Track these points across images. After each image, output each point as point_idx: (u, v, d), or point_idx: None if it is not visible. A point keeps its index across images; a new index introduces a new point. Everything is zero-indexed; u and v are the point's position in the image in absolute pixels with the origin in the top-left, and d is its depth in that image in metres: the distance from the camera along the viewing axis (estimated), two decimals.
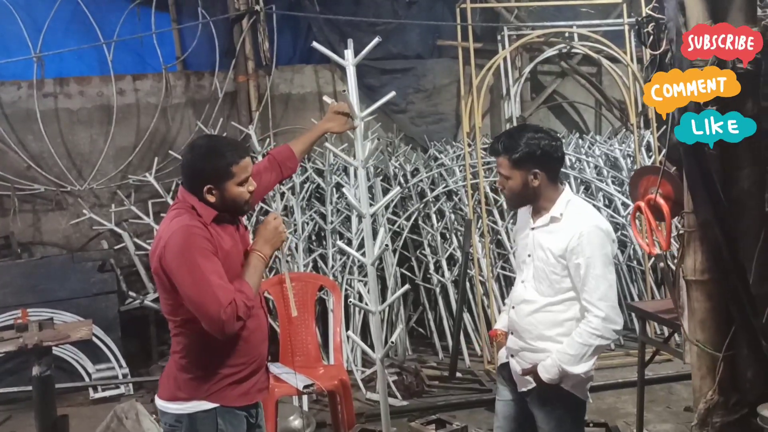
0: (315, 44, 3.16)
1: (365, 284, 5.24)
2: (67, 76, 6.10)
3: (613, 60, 6.55)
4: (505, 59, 6.49)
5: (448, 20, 6.97)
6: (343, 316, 4.46)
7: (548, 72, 7.18)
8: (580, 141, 6.52)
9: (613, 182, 6.07)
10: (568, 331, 2.51)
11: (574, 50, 6.82)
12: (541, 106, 7.10)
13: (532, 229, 2.60)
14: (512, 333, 2.68)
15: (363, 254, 3.02)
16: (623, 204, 5.87)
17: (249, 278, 2.33)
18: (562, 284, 2.51)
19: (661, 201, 3.10)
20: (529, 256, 2.60)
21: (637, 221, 3.79)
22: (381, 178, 5.87)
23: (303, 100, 6.63)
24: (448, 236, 5.77)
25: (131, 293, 5.64)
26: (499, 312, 5.47)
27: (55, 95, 6.04)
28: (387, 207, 5.59)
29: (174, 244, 2.20)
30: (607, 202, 6.02)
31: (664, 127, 5.75)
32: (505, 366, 2.73)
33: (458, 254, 5.62)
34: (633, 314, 5.66)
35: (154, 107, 6.18)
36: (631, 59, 6.40)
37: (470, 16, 5.73)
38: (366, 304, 2.94)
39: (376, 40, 3.00)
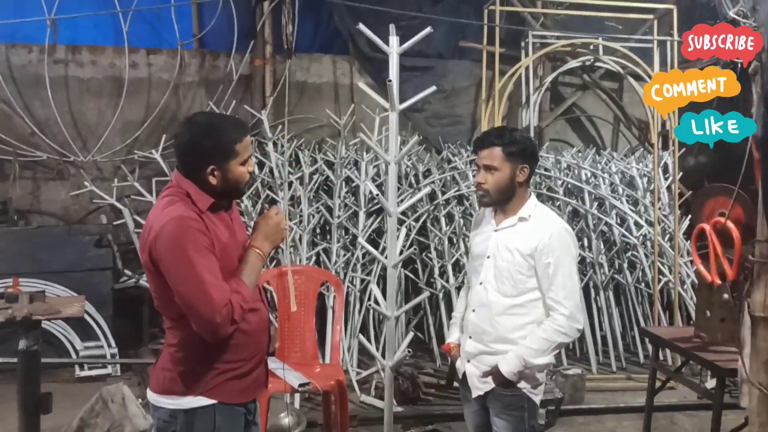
0: (361, 26, 3.01)
1: (377, 284, 5.12)
2: (81, 44, 5.95)
3: (637, 77, 6.44)
4: (526, 67, 6.35)
5: (473, 22, 6.84)
6: (343, 314, 4.32)
7: (569, 84, 7.04)
8: (597, 156, 6.39)
9: (627, 201, 5.94)
10: (529, 334, 2.51)
11: (597, 64, 6.69)
12: (559, 118, 6.96)
13: (495, 230, 2.60)
14: (470, 337, 2.63)
15: (383, 255, 2.87)
16: (636, 224, 5.74)
17: (246, 277, 2.15)
18: (527, 284, 2.51)
19: (731, 225, 2.94)
20: (488, 257, 2.59)
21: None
22: None
23: (318, 90, 6.49)
24: (455, 241, 5.64)
25: (127, 271, 5.50)
26: None
27: (66, 62, 5.89)
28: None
29: (166, 236, 2.02)
30: (619, 220, 5.90)
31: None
32: (464, 374, 2.70)
33: (464, 260, 5.49)
34: (638, 338, 5.55)
35: (166, 83, 6.03)
36: None
37: (498, 18, 5.59)
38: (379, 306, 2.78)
39: (428, 30, 2.88)
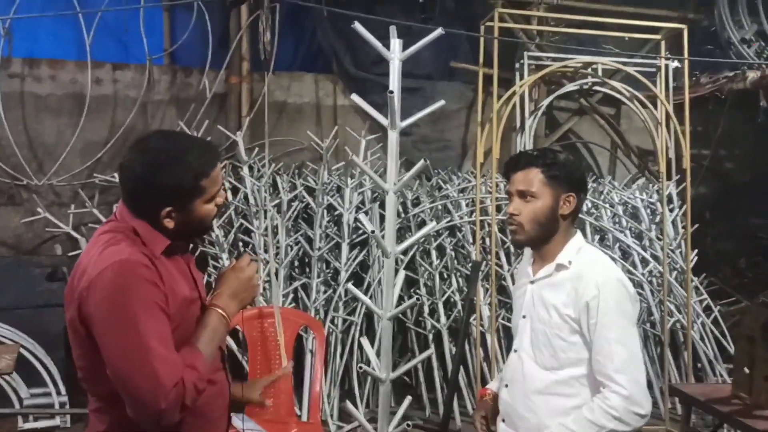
0: (357, 25, 2.55)
1: (361, 324, 4.63)
2: (39, 57, 5.44)
3: (641, 103, 6.08)
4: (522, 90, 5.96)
5: (465, 42, 6.45)
6: (323, 363, 3.81)
7: (564, 108, 6.66)
8: (595, 185, 5.98)
9: (630, 233, 5.52)
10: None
11: (595, 88, 6.32)
12: (555, 144, 6.56)
13: (532, 282, 2.09)
14: (503, 420, 2.10)
15: (368, 294, 2.39)
16: (642, 260, 5.31)
17: (204, 346, 1.67)
18: (569, 353, 1.98)
19: None
20: (524, 317, 2.08)
21: None
22: (378, 203, 5.26)
23: (299, 111, 6.03)
24: (446, 276, 5.16)
25: None
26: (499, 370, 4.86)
27: (23, 77, 5.37)
28: None
29: (103, 286, 1.54)
30: (621, 254, 5.47)
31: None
32: None
33: (456, 297, 5.01)
34: (660, 395, 5.09)
35: (133, 101, 5.53)
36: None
37: (496, 36, 5.19)
38: (372, 367, 2.30)
39: (438, 31, 2.43)
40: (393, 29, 2.47)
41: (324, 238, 5.03)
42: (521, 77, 6.00)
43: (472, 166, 6.27)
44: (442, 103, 2.63)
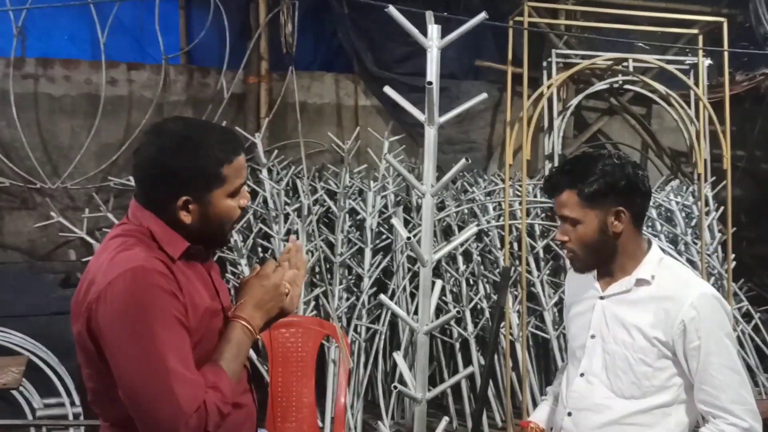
0: (391, 8, 2.34)
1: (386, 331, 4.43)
2: (53, 57, 5.30)
3: (668, 102, 5.85)
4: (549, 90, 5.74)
5: (489, 41, 6.25)
6: (348, 375, 3.62)
7: (593, 108, 6.42)
8: None
9: (665, 237, 5.28)
10: None
11: (626, 86, 6.10)
12: (583, 145, 6.33)
13: (602, 297, 1.85)
14: None
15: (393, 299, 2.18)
16: None
17: (228, 364, 1.48)
18: (654, 380, 1.75)
19: None
20: (593, 337, 1.84)
21: None
22: (402, 207, 5.06)
23: (319, 112, 5.85)
24: (472, 282, 4.95)
25: None
26: (541, 389, 4.64)
27: (36, 77, 5.23)
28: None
29: (116, 299, 1.37)
30: None
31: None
32: None
33: (483, 304, 4.80)
34: None
35: (149, 102, 5.38)
36: (695, 100, 5.69)
37: (526, 32, 4.98)
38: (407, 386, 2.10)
39: (482, 15, 2.24)
40: (430, 14, 2.28)
41: (346, 243, 4.84)
42: (549, 76, 5.79)
43: (498, 169, 6.06)
44: (484, 96, 2.42)
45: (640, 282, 1.80)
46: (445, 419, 2.18)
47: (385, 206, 5.06)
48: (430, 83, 2.09)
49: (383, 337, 4.54)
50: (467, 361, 4.73)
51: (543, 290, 4.83)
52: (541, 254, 4.98)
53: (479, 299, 4.79)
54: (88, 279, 1.46)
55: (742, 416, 1.67)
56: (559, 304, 4.98)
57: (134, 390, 1.36)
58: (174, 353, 1.37)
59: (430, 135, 2.12)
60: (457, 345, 4.74)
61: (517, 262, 4.79)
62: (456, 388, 4.75)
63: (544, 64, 5.84)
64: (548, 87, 4.88)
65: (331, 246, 4.87)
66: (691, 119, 5.48)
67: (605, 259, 1.83)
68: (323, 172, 5.52)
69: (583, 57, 5.84)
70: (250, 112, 5.54)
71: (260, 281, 1.59)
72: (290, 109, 5.71)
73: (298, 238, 4.68)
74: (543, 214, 5.13)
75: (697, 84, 5.34)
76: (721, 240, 5.17)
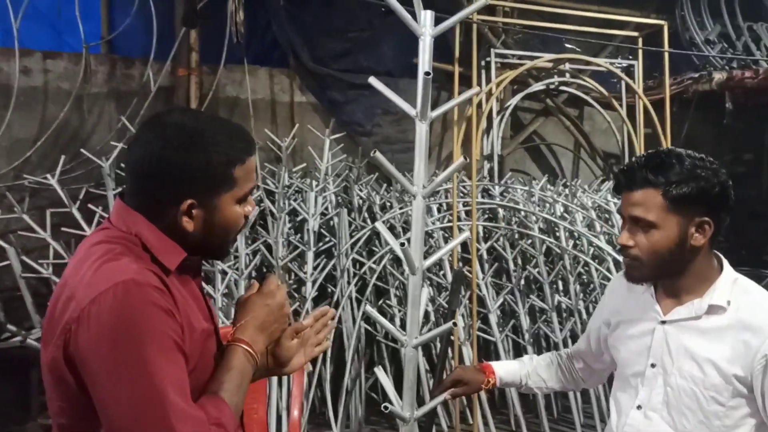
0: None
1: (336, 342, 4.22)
2: None
3: (602, 104, 5.95)
4: (489, 90, 5.69)
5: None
6: (303, 390, 3.41)
7: (528, 109, 6.44)
8: (563, 189, 5.77)
9: (603, 238, 5.32)
10: None
11: (561, 87, 6.14)
12: (518, 147, 6.34)
13: (663, 322, 1.63)
14: None
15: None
16: (615, 262, 5.11)
17: (230, 396, 1.28)
18: (726, 420, 1.55)
19: None
20: (653, 366, 1.64)
21: None
22: (345, 208, 4.87)
23: (253, 108, 5.55)
24: None
25: (10, 326, 4.34)
26: None
27: None
28: (353, 246, 4.59)
29: (103, 319, 1.14)
30: (594, 259, 5.26)
31: None
32: None
33: (429, 307, 4.68)
34: None
35: (67, 94, 4.95)
36: (628, 102, 5.78)
37: (463, 28, 4.90)
38: (392, 403, 1.92)
39: (482, 2, 2.07)
40: (418, 1, 2.10)
41: (286, 246, 4.60)
42: (488, 75, 5.75)
43: (437, 169, 5.97)
44: (476, 89, 2.27)
45: (714, 309, 1.59)
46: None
47: (326, 208, 4.86)
48: (428, 74, 1.92)
49: (331, 343, 4.33)
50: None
51: (488, 292, 4.76)
52: (485, 256, 4.91)
53: (426, 303, 4.66)
54: (64, 295, 1.21)
55: None
56: (504, 306, 4.93)
57: (125, 428, 1.14)
58: (172, 384, 1.15)
59: (422, 131, 1.95)
60: (403, 350, 4.58)
61: (461, 264, 4.70)
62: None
63: (482, 63, 5.79)
64: (497, 85, 4.80)
65: (269, 248, 4.62)
66: (623, 120, 5.56)
67: (671, 275, 1.62)
68: (259, 171, 5.25)
69: (521, 57, 5.84)
70: (180, 106, 5.20)
71: (264, 300, 1.39)
72: (222, 104, 5.42)
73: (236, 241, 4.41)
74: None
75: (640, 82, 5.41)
76: None
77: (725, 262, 1.65)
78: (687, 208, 1.55)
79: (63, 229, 4.35)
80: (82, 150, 4.63)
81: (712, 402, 1.55)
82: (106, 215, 4.36)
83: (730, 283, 1.61)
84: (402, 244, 1.82)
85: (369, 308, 2.07)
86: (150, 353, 1.14)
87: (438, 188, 5.13)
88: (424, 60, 1.99)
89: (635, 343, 1.69)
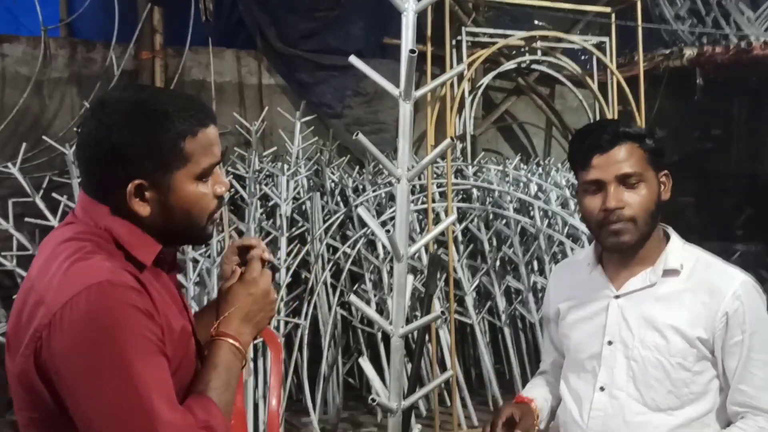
0: None
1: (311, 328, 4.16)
2: None
3: (574, 82, 5.92)
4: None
5: (396, 17, 6.03)
6: (281, 377, 3.34)
7: (500, 88, 6.39)
8: (537, 168, 5.75)
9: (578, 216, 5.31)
10: None
11: (533, 66, 6.11)
12: (491, 126, 6.30)
13: (617, 296, 1.59)
14: None
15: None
16: (591, 240, 5.11)
17: (217, 395, 1.19)
18: (694, 386, 1.52)
19: None
20: (610, 343, 1.59)
21: None
22: (318, 192, 4.79)
23: (220, 91, 5.44)
24: (390, 268, 4.77)
25: None
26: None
27: None
28: (327, 231, 4.52)
29: (78, 324, 1.06)
30: (569, 237, 5.26)
31: None
32: None
33: None
34: None
35: (26, 79, 4.78)
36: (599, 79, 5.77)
37: (433, 7, 4.81)
38: (379, 394, 1.87)
39: None
40: None
41: (258, 232, 4.51)
42: (459, 54, 5.68)
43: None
44: (462, 67, 2.20)
45: (668, 273, 1.56)
46: (418, 427, 1.96)
47: (299, 193, 4.77)
48: (414, 52, 1.84)
49: (305, 331, 4.27)
50: (389, 352, 4.55)
51: (463, 274, 4.73)
52: (460, 237, 4.88)
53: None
54: (31, 299, 1.12)
55: None
56: (480, 287, 4.91)
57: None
58: (156, 389, 1.07)
59: (406, 111, 1.88)
60: (379, 335, 4.56)
61: (436, 247, 4.66)
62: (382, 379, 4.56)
63: (453, 42, 5.71)
64: (470, 65, 4.72)
65: (241, 235, 4.53)
66: (596, 97, 5.54)
67: (648, 237, 1.56)
68: (228, 155, 5.14)
69: (492, 35, 5.78)
70: None
71: (247, 289, 1.30)
72: (188, 88, 5.28)
73: None
74: None
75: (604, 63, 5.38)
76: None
77: (671, 230, 1.65)
78: (656, 160, 1.57)
79: (26, 219, 4.21)
80: (44, 137, 4.47)
81: (679, 368, 1.52)
82: (71, 204, 4.23)
83: (680, 248, 1.60)
84: (388, 231, 1.75)
85: (354, 298, 2.01)
86: (130, 358, 1.06)
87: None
88: (408, 37, 1.91)
89: (588, 325, 1.64)
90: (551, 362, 1.86)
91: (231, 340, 1.25)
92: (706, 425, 1.54)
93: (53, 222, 4.17)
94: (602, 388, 1.59)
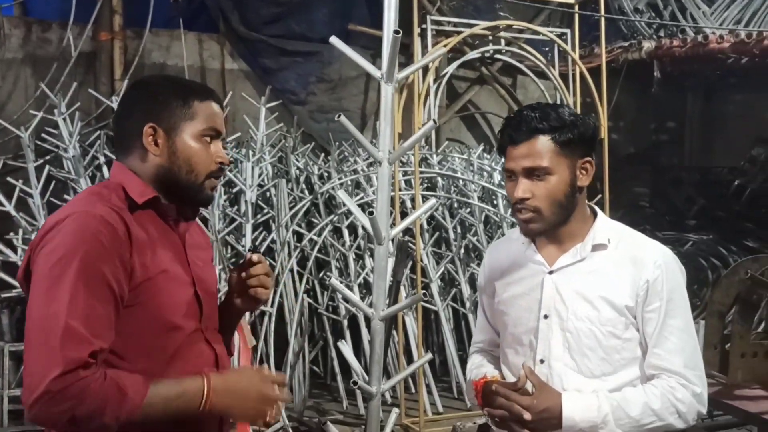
0: None
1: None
2: None
3: (538, 74, 5.98)
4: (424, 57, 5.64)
5: (362, 5, 6.01)
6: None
7: (463, 77, 6.42)
8: (495, 155, 5.80)
9: None
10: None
11: (496, 56, 6.14)
12: (454, 115, 6.33)
13: (551, 272, 1.67)
14: None
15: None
16: None
17: (153, 394, 1.26)
18: (624, 353, 1.62)
19: None
20: (546, 317, 1.66)
21: None
22: (284, 179, 4.73)
23: (181, 75, 5.32)
24: (355, 257, 4.76)
25: None
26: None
27: None
28: (293, 218, 4.48)
29: (54, 241, 1.28)
30: None
31: None
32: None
33: (371, 279, 4.63)
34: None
35: None
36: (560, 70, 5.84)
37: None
38: (359, 377, 1.86)
39: None
40: None
41: (223, 219, 4.45)
42: (423, 43, 5.68)
43: (374, 137, 5.88)
44: (443, 51, 2.18)
45: (596, 247, 1.65)
46: (395, 411, 1.96)
47: (263, 178, 4.71)
48: (398, 32, 1.82)
49: (272, 318, 4.23)
50: (356, 339, 4.55)
51: (429, 262, 4.75)
52: (425, 225, 4.89)
53: (367, 273, 4.61)
54: (46, 221, 1.36)
55: (696, 382, 1.60)
56: (445, 275, 4.94)
57: (26, 339, 1.24)
58: (79, 313, 1.22)
59: (388, 93, 1.85)
60: (345, 322, 4.54)
61: (402, 234, 4.66)
62: (346, 368, 4.56)
63: (418, 31, 5.70)
64: (436, 54, 4.71)
65: (205, 221, 4.45)
66: (557, 88, 5.60)
67: (563, 222, 1.64)
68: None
69: (456, 24, 5.79)
70: (103, 72, 4.93)
71: (260, 377, 1.42)
72: (149, 71, 5.15)
73: None
74: None
75: (567, 54, 5.45)
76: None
77: (597, 209, 1.73)
78: (573, 150, 1.61)
79: None
80: None
81: (610, 336, 1.61)
82: (27, 189, 4.10)
83: (607, 225, 1.70)
84: (371, 212, 1.73)
85: (335, 281, 1.99)
86: (72, 280, 1.22)
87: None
88: (390, 18, 1.88)
89: (524, 300, 1.70)
90: (488, 341, 1.90)
91: (207, 388, 1.31)
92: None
93: (8, 207, 4.03)
94: (542, 361, 1.66)
